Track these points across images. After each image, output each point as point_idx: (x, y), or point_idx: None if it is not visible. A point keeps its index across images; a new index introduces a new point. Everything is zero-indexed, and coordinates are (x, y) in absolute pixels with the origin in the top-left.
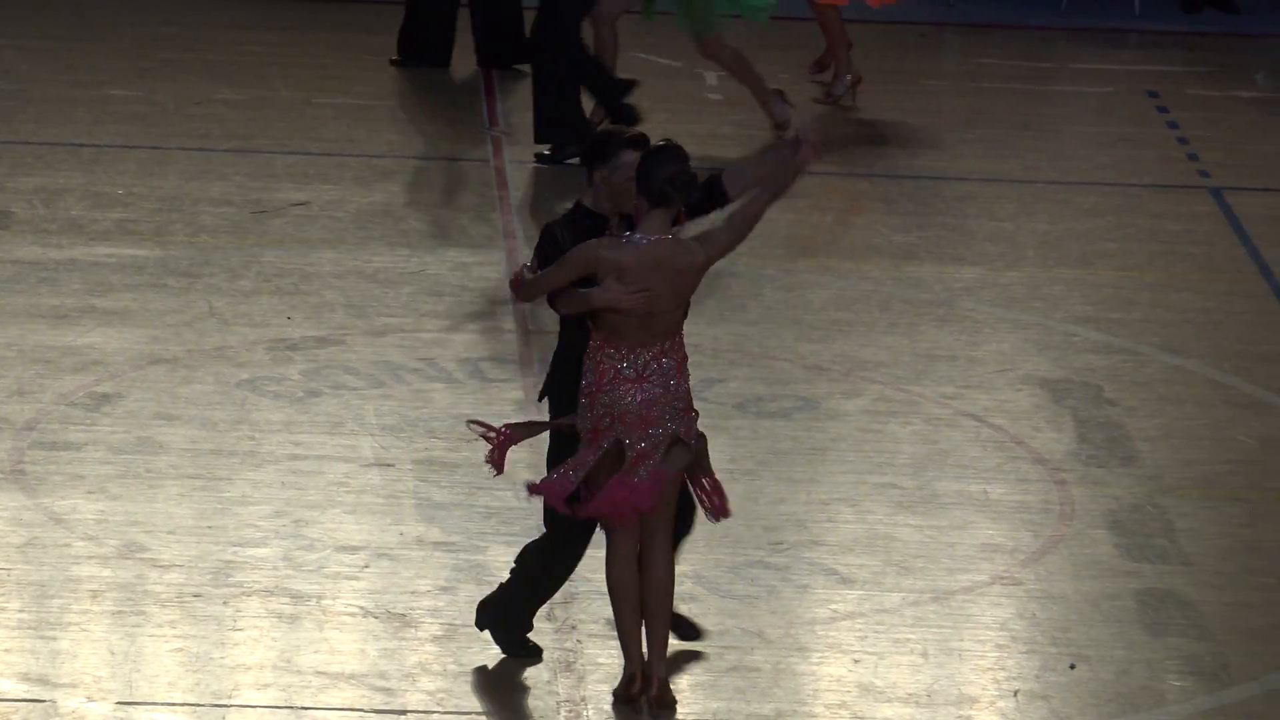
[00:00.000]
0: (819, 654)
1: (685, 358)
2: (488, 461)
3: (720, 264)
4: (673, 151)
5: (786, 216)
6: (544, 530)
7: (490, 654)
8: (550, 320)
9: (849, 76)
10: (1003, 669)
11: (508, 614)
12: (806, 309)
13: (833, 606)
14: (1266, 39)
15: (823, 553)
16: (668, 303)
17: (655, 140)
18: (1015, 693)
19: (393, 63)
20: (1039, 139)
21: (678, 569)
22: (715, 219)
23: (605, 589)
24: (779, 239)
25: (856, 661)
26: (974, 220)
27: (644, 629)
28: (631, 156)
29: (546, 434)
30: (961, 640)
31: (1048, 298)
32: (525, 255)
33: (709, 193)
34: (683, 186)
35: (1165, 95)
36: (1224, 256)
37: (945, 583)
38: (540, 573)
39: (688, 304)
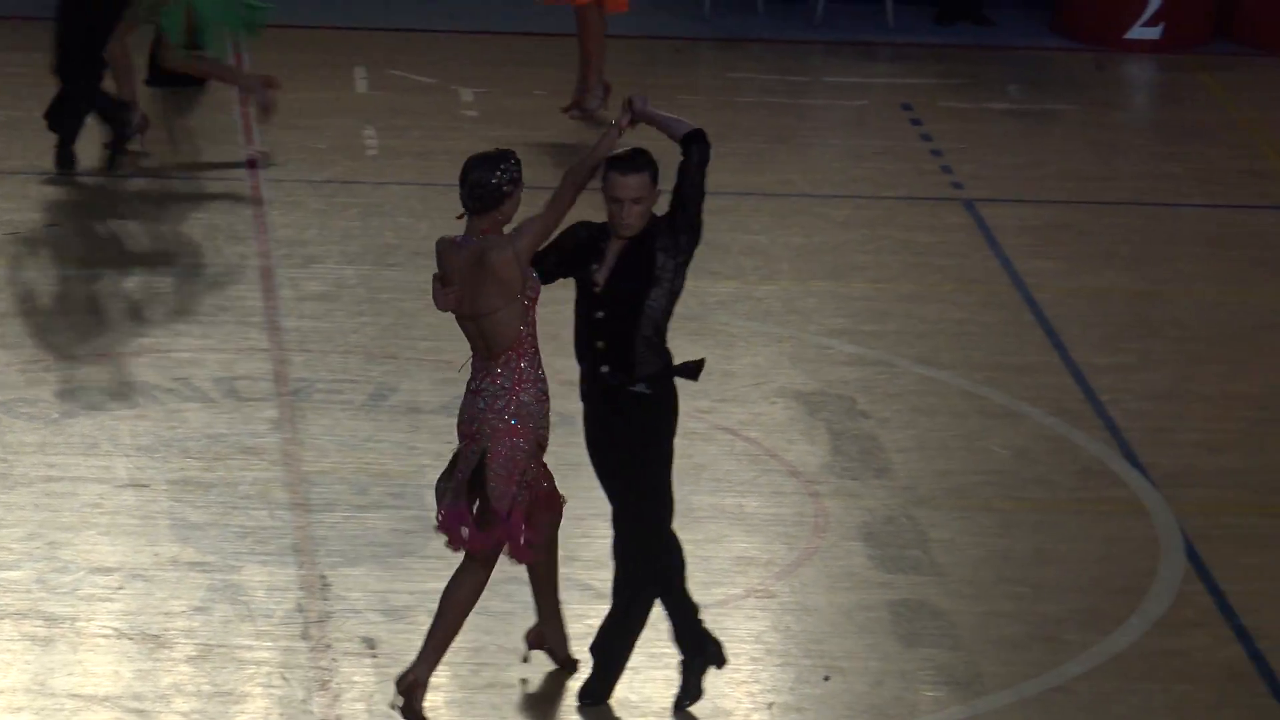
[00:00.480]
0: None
1: (521, 381)
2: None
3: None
4: (482, 160)
5: None
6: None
7: (244, 674)
8: (313, 341)
9: (601, 88)
10: (757, 682)
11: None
12: (566, 325)
13: (588, 622)
14: (1019, 51)
15: (578, 568)
16: (479, 305)
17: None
18: (770, 705)
19: (145, 83)
20: (793, 152)
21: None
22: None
23: (359, 608)
24: None
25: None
26: (728, 234)
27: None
28: (614, 176)
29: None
30: (718, 652)
31: (802, 311)
32: (287, 278)
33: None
34: (471, 196)
35: (919, 108)
36: (977, 268)
37: (700, 596)
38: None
39: (525, 323)
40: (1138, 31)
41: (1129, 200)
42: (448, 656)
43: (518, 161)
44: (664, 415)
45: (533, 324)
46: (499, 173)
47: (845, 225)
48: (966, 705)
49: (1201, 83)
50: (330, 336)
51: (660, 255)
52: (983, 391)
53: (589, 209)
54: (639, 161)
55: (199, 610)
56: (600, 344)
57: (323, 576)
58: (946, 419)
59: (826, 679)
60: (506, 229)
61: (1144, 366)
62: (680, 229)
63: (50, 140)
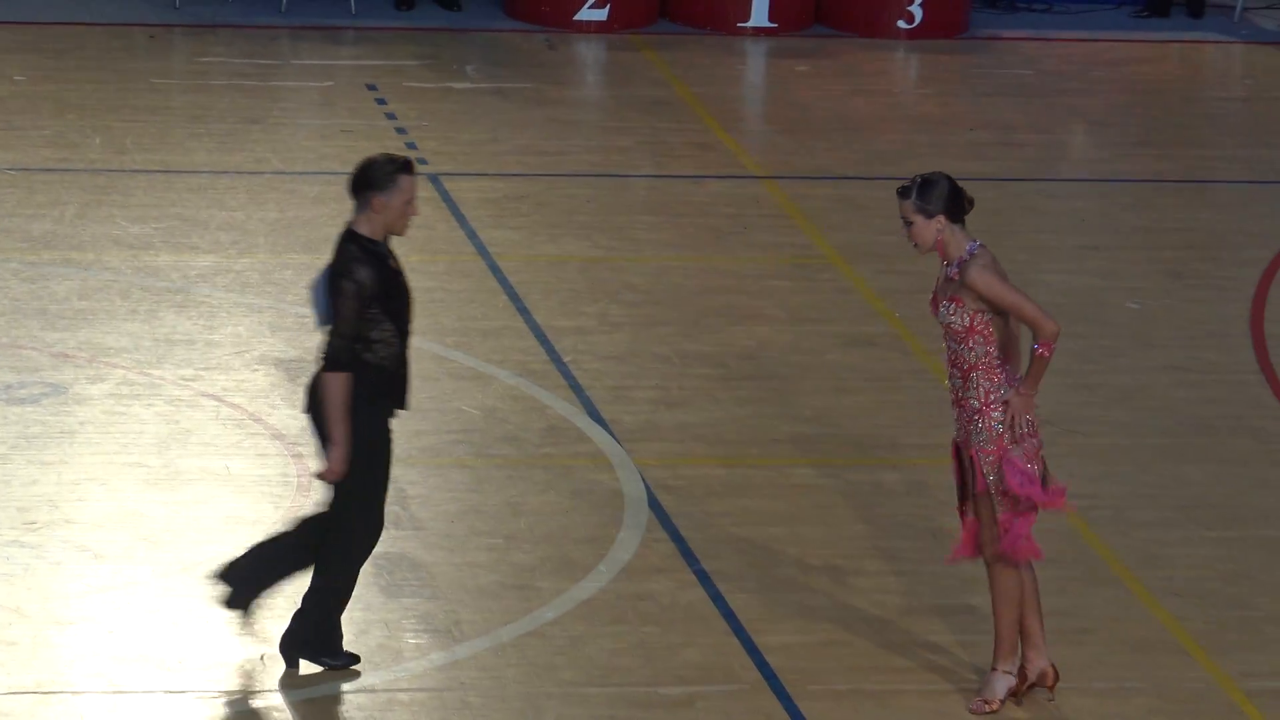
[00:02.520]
0: (75, 626)
1: None
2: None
3: None
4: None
5: (26, 211)
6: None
7: None
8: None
9: None
10: (253, 636)
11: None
12: (51, 299)
13: (86, 581)
14: (477, 33)
15: (75, 531)
16: None
17: None
18: (261, 656)
19: None
20: (266, 132)
21: None
22: None
23: None
24: (20, 234)
25: (111, 632)
26: (206, 211)
27: None
28: (407, 180)
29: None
30: (209, 608)
31: (279, 282)
32: None
33: None
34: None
35: (383, 88)
36: (443, 238)
37: (192, 555)
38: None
39: None
40: (586, 13)
41: (583, 172)
42: None
43: None
44: None
45: None
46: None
47: (317, 201)
48: (447, 651)
49: (648, 60)
50: None
51: None
52: (453, 355)
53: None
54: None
55: None
56: None
57: None
58: (419, 382)
59: None
60: None
61: (602, 329)
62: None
63: None
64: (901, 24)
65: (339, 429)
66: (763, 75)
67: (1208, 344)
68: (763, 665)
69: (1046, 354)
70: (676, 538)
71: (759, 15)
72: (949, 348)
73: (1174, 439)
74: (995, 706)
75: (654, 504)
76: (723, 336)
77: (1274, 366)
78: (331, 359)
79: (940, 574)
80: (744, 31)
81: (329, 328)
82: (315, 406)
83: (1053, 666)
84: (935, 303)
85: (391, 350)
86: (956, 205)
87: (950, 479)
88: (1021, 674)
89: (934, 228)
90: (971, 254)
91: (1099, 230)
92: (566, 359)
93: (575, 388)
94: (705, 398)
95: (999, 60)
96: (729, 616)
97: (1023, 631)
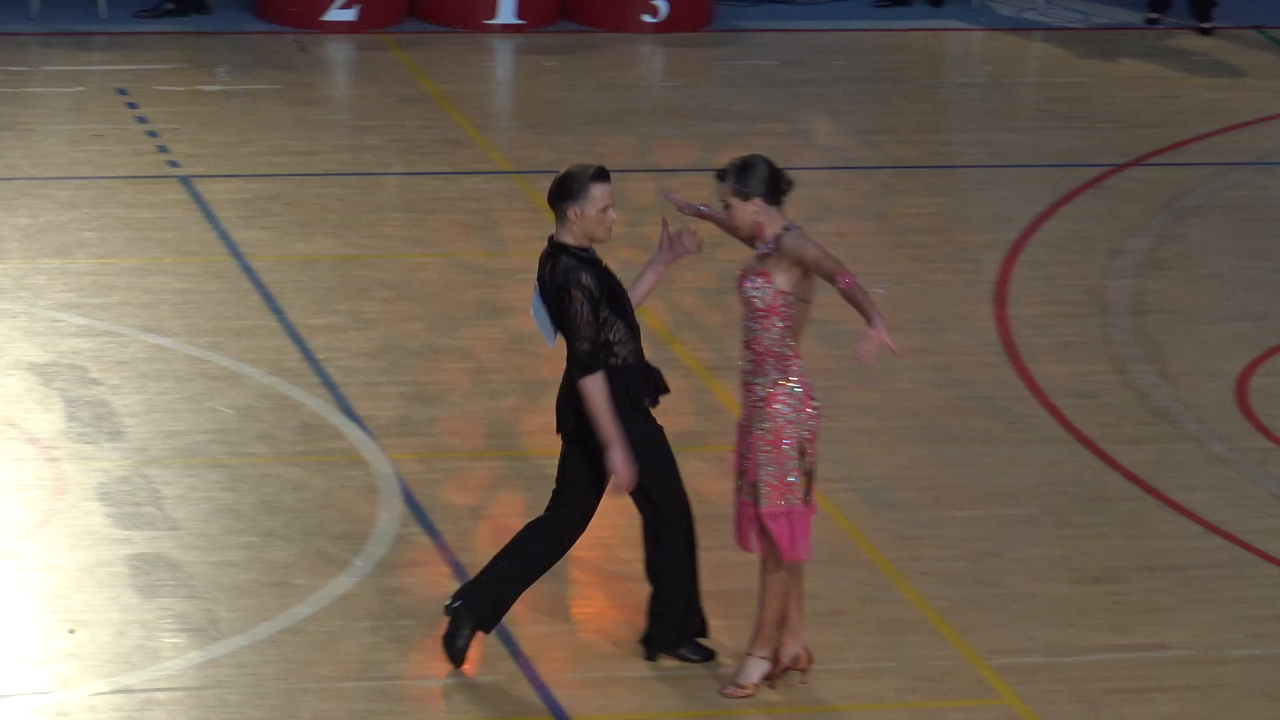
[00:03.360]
0: None
1: None
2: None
3: None
4: None
5: None
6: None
7: None
8: None
9: None
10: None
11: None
12: None
13: None
14: (226, 35)
15: None
16: None
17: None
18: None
19: None
20: (17, 139)
21: None
22: None
23: None
24: None
25: None
26: None
27: None
28: (600, 189)
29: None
30: None
31: (32, 287)
32: None
33: None
34: None
35: (134, 92)
36: (196, 240)
37: None
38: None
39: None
40: (334, 14)
41: (334, 171)
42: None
43: None
44: None
45: None
46: None
47: (69, 205)
48: (204, 650)
49: (397, 59)
50: None
51: None
52: (207, 356)
53: None
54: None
55: None
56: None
57: None
58: (173, 383)
59: (72, 632)
60: None
61: (355, 326)
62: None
63: None
64: (647, 18)
65: (609, 429)
66: (511, 72)
67: (953, 326)
68: (519, 656)
69: (854, 280)
70: (431, 531)
71: (506, 12)
72: (746, 328)
73: (921, 421)
74: (750, 691)
75: (409, 499)
76: (474, 331)
77: (1017, 347)
78: (584, 365)
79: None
80: (492, 29)
81: (571, 339)
82: (574, 417)
83: (806, 650)
84: (742, 279)
85: (629, 347)
86: (775, 188)
87: (693, 466)
88: (776, 658)
89: (750, 209)
90: (787, 230)
91: (844, 217)
92: (320, 357)
93: (329, 385)
94: (458, 392)
95: (744, 51)
96: None
97: (781, 617)
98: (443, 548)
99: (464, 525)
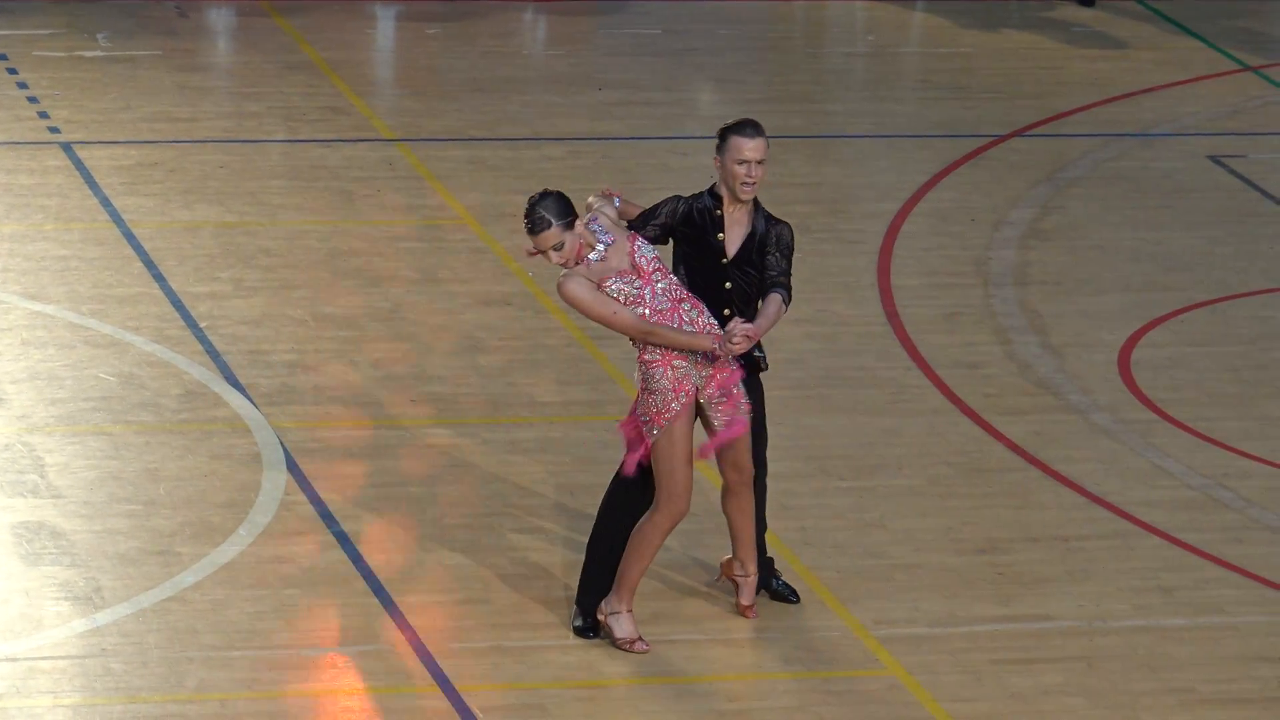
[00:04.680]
0: None
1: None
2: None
3: None
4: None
5: None
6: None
7: None
8: None
9: None
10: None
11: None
12: None
13: None
14: (109, 2)
15: None
16: None
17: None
18: None
19: None
20: None
21: None
22: None
23: None
24: None
25: None
26: None
27: None
28: (736, 140)
29: None
30: None
31: None
32: None
33: None
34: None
35: (14, 57)
36: (77, 206)
37: None
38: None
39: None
40: None
41: (216, 138)
42: None
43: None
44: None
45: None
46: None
47: None
48: (87, 618)
49: (278, 26)
50: None
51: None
52: (89, 323)
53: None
54: (760, 126)
55: None
56: (727, 311)
57: None
58: (55, 350)
59: None
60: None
61: (238, 294)
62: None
63: None
64: None
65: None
66: (393, 39)
67: (837, 297)
68: (404, 625)
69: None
70: (315, 500)
71: None
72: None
73: (804, 391)
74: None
75: (292, 467)
76: (358, 299)
77: (900, 318)
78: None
79: (576, 529)
80: None
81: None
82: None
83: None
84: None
85: None
86: (562, 211)
87: (580, 435)
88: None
89: (566, 240)
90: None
91: None
92: (203, 324)
93: (212, 353)
94: (341, 360)
95: (627, 19)
96: (368, 577)
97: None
98: (326, 516)
99: (347, 494)
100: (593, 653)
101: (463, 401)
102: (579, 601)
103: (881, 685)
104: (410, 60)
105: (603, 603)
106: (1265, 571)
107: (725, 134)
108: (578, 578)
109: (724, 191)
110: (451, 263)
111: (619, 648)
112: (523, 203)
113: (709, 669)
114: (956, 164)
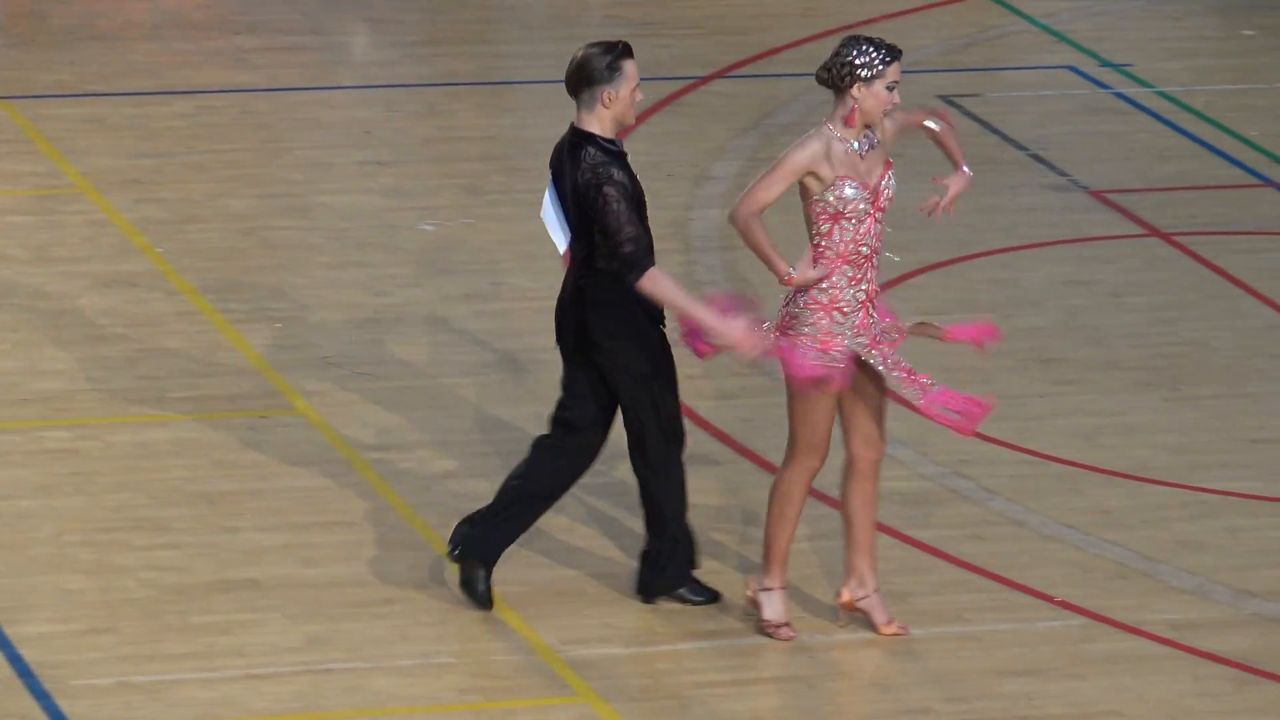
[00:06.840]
0: None
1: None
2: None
3: None
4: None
5: None
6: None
7: None
8: None
9: None
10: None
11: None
12: None
13: None
14: None
15: None
16: None
17: None
18: None
19: None
20: None
21: None
22: None
23: None
24: None
25: None
26: None
27: None
28: (631, 65)
29: None
30: None
31: None
32: None
33: None
34: None
35: None
36: None
37: None
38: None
39: None
40: None
41: None
42: None
43: None
44: None
45: None
46: None
47: None
48: None
49: None
50: None
51: None
52: None
53: None
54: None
55: None
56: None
57: None
58: None
59: None
60: None
61: None
62: None
63: None
64: None
65: (698, 311)
66: None
67: (515, 268)
68: (16, 660)
69: None
70: None
71: None
72: (877, 232)
73: (475, 378)
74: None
75: None
76: None
77: None
78: (635, 265)
79: (218, 545)
80: None
81: (611, 241)
82: (575, 333)
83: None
84: (879, 181)
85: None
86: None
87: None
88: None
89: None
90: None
91: (386, 143)
92: None
93: None
94: None
95: None
96: None
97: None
98: None
99: None
100: (236, 686)
101: (80, 398)
102: (461, 527)
103: (573, 716)
104: (13, 4)
105: (752, 578)
106: (1010, 573)
107: (619, 60)
108: (219, 599)
109: (610, 128)
110: (67, 239)
111: (763, 631)
112: (150, 167)
113: (374, 703)
114: (650, 111)
